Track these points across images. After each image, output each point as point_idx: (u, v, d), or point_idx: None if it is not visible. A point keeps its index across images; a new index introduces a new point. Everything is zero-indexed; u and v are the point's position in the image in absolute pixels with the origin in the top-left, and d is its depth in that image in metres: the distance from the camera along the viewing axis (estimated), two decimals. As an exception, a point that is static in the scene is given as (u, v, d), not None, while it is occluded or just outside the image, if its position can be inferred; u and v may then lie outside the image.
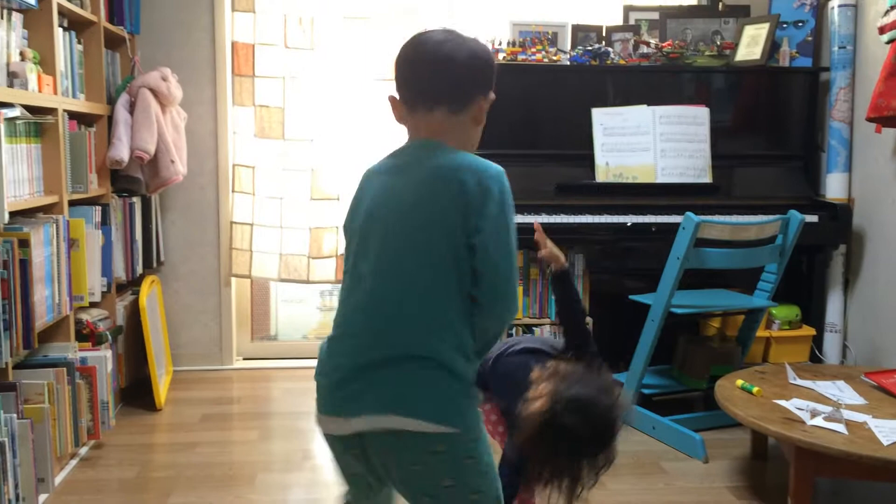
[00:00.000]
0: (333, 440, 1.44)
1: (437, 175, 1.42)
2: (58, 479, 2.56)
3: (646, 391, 3.12)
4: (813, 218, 3.27)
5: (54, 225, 2.55)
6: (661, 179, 3.41)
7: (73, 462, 2.71)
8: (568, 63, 3.55)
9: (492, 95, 1.52)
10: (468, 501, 1.40)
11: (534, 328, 3.31)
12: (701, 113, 3.47)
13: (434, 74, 1.46)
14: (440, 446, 1.36)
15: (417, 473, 1.39)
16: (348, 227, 1.50)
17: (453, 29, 1.49)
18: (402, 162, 1.48)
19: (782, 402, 2.41)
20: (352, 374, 1.38)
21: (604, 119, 3.46)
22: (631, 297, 3.11)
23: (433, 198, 1.40)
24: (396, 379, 1.36)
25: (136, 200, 3.37)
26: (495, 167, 1.45)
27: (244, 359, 3.95)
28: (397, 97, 1.51)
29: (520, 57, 3.51)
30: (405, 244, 1.40)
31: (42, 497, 2.40)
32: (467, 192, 1.39)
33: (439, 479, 1.38)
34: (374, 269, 1.41)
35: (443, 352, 1.37)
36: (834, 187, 3.50)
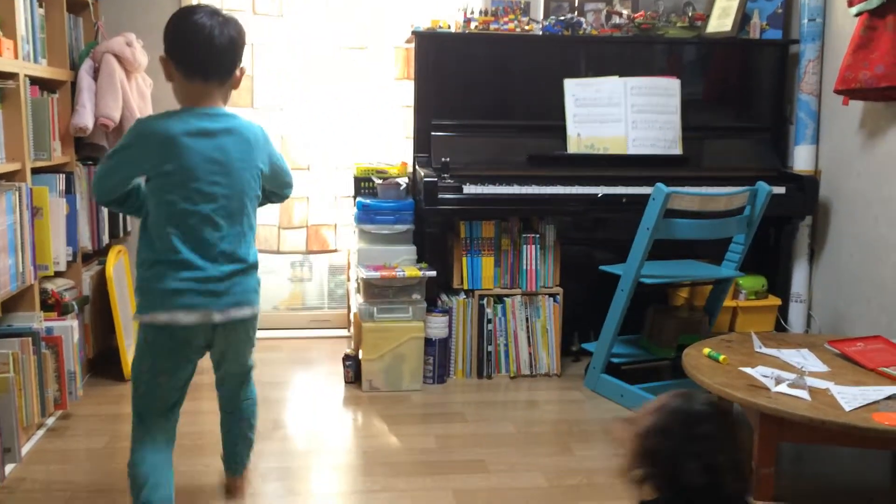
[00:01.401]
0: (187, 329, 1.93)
1: (243, 134, 1.94)
2: (25, 450, 2.53)
3: (615, 360, 3.16)
4: (780, 189, 3.31)
5: (17, 193, 2.49)
6: (632, 151, 3.42)
7: (41, 432, 2.69)
8: (540, 33, 3.53)
9: (242, 65, 2.01)
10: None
11: (505, 298, 3.33)
12: (672, 84, 3.48)
13: (208, 55, 1.91)
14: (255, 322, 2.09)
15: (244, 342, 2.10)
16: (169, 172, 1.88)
17: (214, 10, 1.95)
18: (213, 127, 1.91)
19: (748, 370, 2.45)
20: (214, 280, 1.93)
21: (576, 90, 3.45)
22: (601, 267, 3.13)
23: (248, 150, 1.95)
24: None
25: (102, 169, 3.31)
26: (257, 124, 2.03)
27: (214, 329, 3.92)
28: (170, 60, 1.95)
29: (492, 26, 3.49)
30: (247, 188, 1.95)
31: (9, 467, 2.38)
32: (261, 140, 2.00)
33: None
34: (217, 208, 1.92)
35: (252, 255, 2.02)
36: (801, 159, 3.54)
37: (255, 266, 2.03)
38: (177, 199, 1.87)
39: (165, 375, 1.99)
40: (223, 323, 1.95)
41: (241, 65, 1.99)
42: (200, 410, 2.97)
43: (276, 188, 2.11)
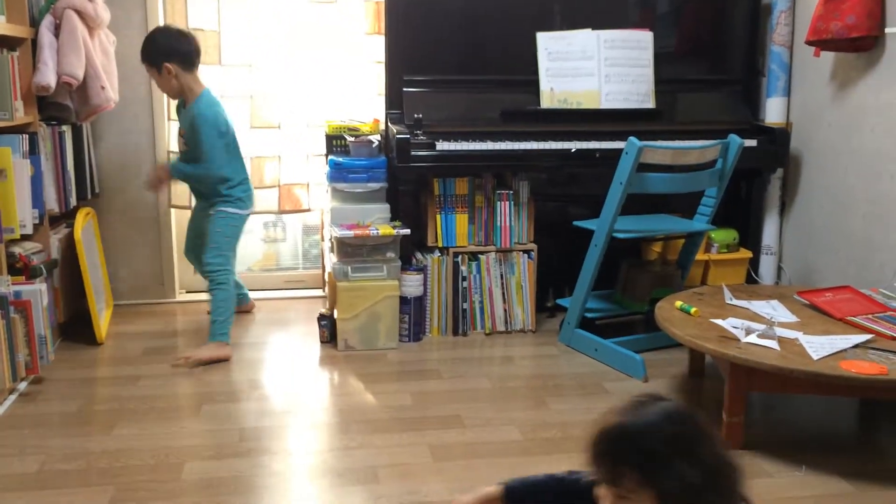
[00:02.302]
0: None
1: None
2: (-4, 415, 2.51)
3: (589, 315, 3.18)
4: (752, 142, 3.32)
5: (-22, 154, 2.43)
6: (605, 105, 3.41)
7: (13, 397, 2.66)
8: (512, -15, 3.47)
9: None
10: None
11: (479, 255, 3.32)
12: (645, 37, 3.46)
13: (198, 51, 3.14)
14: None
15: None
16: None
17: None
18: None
19: (719, 322, 2.48)
20: None
21: (548, 44, 3.42)
22: (575, 223, 3.14)
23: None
24: None
25: (67, 129, 3.24)
26: None
27: (187, 291, 3.89)
28: (172, 64, 3.06)
29: (463, -21, 3.42)
30: None
31: (-20, 433, 2.36)
32: None
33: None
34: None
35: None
36: (773, 111, 3.54)
37: None
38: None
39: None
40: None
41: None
42: (174, 373, 2.96)
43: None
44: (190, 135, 3.13)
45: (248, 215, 3.23)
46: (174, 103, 3.53)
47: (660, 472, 1.16)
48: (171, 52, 3.03)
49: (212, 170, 3.09)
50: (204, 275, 3.22)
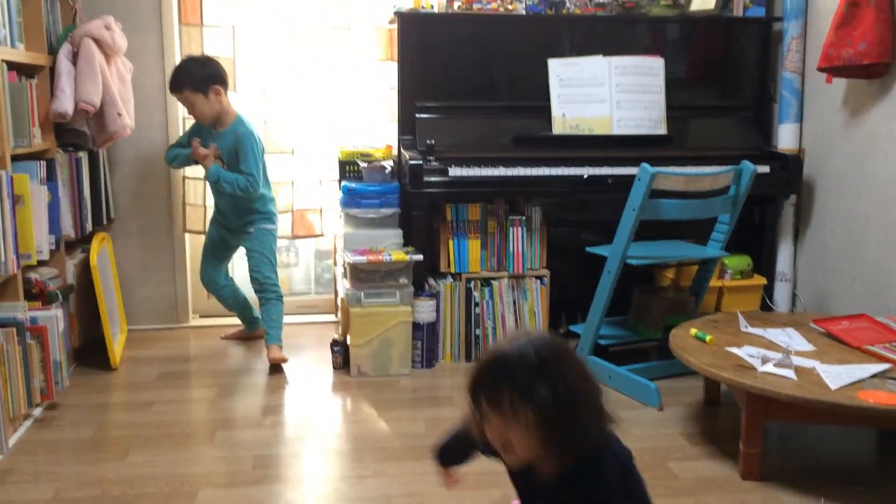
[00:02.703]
0: None
1: None
2: (11, 441, 2.51)
3: (602, 342, 3.17)
4: (765, 168, 3.32)
5: (-3, 181, 2.46)
6: (617, 131, 3.42)
7: (27, 423, 2.67)
8: (524, 12, 3.51)
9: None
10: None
11: (492, 281, 3.32)
12: (656, 63, 3.47)
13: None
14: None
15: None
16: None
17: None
18: None
19: (734, 350, 2.47)
20: None
21: (560, 70, 3.44)
22: (587, 248, 3.13)
23: None
24: None
25: (83, 155, 3.27)
26: None
27: (201, 316, 3.90)
28: (221, 86, 3.23)
29: (475, 6, 3.46)
30: None
31: (-5, 459, 2.36)
32: None
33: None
34: None
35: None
36: (785, 138, 3.54)
37: None
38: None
39: None
40: None
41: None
42: (189, 399, 2.97)
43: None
44: (230, 155, 3.22)
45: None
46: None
47: (535, 389, 1.28)
48: (218, 76, 3.19)
49: (254, 185, 3.21)
50: (258, 291, 3.33)
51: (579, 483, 1.37)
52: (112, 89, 3.15)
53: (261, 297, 3.31)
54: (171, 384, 3.08)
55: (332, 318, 3.93)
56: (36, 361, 2.67)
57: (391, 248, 3.24)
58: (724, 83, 3.68)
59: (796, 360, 2.34)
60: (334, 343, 3.25)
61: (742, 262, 3.46)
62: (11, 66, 2.72)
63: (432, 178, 3.18)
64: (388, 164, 3.40)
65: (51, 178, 2.96)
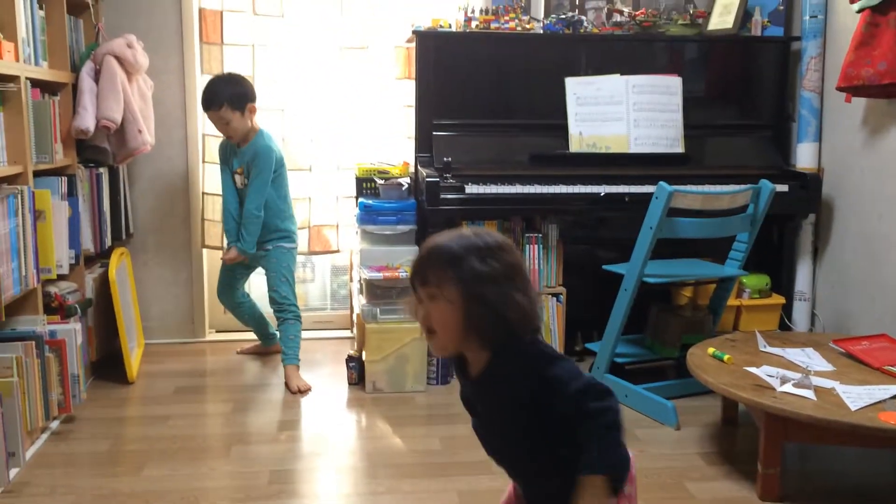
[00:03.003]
0: None
1: None
2: (29, 453, 2.53)
3: (619, 360, 3.15)
4: (783, 187, 3.30)
5: (19, 196, 2.49)
6: (634, 149, 3.41)
7: (45, 436, 2.68)
8: (541, 32, 3.52)
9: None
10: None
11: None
12: (673, 82, 3.47)
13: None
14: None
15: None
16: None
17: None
18: None
19: (752, 370, 2.44)
20: None
21: (577, 88, 3.44)
22: (604, 266, 3.12)
23: None
24: None
25: (104, 171, 3.31)
26: None
27: (217, 331, 3.92)
28: (253, 103, 3.25)
29: (493, 25, 3.48)
30: None
31: (13, 471, 2.37)
32: None
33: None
34: None
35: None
36: (804, 157, 3.53)
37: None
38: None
39: None
40: None
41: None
42: (204, 413, 2.97)
43: None
44: (248, 169, 3.25)
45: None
46: (210, 147, 3.62)
47: (457, 265, 1.36)
48: (252, 93, 3.24)
49: (258, 208, 3.22)
50: (276, 311, 3.30)
51: (504, 375, 1.40)
52: (133, 106, 3.19)
53: (279, 316, 3.30)
54: (187, 398, 3.09)
55: (347, 333, 3.93)
56: (54, 375, 2.69)
57: (407, 264, 3.24)
58: (743, 102, 3.67)
59: (816, 381, 2.32)
60: (349, 359, 3.25)
61: (760, 281, 3.43)
62: (35, 83, 2.77)
63: (449, 196, 3.19)
64: (405, 181, 3.42)
65: (72, 193, 3.00)
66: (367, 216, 3.32)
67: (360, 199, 3.42)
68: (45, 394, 2.61)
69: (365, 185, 3.51)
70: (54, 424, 2.77)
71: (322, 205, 3.79)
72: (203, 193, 3.70)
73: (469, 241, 1.39)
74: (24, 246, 2.52)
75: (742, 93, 3.66)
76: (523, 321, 1.37)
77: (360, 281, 3.33)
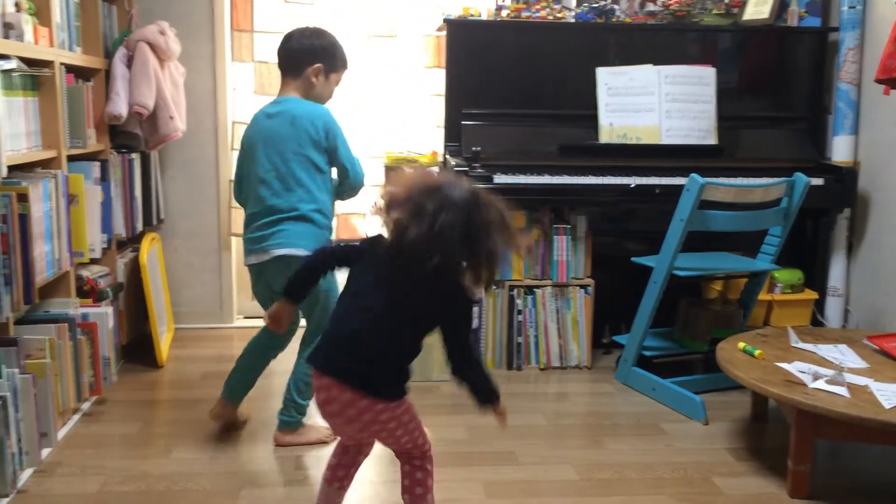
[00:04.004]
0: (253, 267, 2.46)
1: (293, 110, 2.44)
2: (60, 434, 2.56)
3: (646, 353, 3.13)
4: (818, 181, 3.24)
5: (53, 180, 2.52)
6: (665, 141, 3.37)
7: (76, 417, 2.72)
8: (573, 20, 3.49)
9: (317, 66, 2.50)
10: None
11: (535, 289, 3.30)
12: (707, 73, 3.42)
13: (281, 58, 2.55)
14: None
15: None
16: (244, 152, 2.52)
17: (307, 27, 2.57)
18: (276, 110, 2.47)
19: (784, 365, 2.41)
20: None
21: (608, 78, 3.41)
22: (633, 259, 3.10)
23: (296, 120, 2.43)
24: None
25: (136, 157, 3.34)
26: (323, 108, 2.50)
27: (245, 317, 3.95)
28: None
29: (524, 14, 3.46)
30: (292, 154, 2.41)
31: (45, 451, 2.41)
32: (313, 115, 2.45)
33: None
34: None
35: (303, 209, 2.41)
36: (840, 150, 3.46)
37: (302, 215, 2.40)
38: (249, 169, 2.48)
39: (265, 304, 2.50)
40: (268, 261, 2.38)
41: (316, 64, 2.49)
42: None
43: (339, 179, 2.56)
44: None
45: (249, 266, 2.51)
46: (239, 133, 3.62)
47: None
48: None
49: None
50: None
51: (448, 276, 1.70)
52: (165, 93, 3.21)
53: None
54: (215, 383, 3.09)
55: (374, 322, 3.94)
56: (86, 357, 2.72)
57: (435, 253, 3.24)
58: (778, 94, 3.61)
59: (849, 378, 2.28)
60: (376, 347, 3.25)
61: (793, 275, 3.38)
62: (69, 68, 2.79)
63: (477, 185, 3.17)
64: (434, 171, 3.41)
65: (104, 178, 3.03)
66: (396, 205, 3.31)
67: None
68: (76, 375, 2.65)
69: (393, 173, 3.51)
70: (86, 406, 2.81)
71: (350, 193, 3.79)
72: (231, 181, 3.71)
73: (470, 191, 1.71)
74: (57, 229, 2.55)
75: (777, 84, 3.60)
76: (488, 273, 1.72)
77: (387, 269, 3.33)
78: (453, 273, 1.69)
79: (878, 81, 3.04)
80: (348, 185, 2.56)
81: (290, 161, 2.40)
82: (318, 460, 2.47)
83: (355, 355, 1.71)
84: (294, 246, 2.37)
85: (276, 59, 3.56)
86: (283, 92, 2.52)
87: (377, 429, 1.74)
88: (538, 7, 3.47)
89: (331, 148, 2.46)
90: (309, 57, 2.48)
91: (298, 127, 2.41)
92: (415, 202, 1.65)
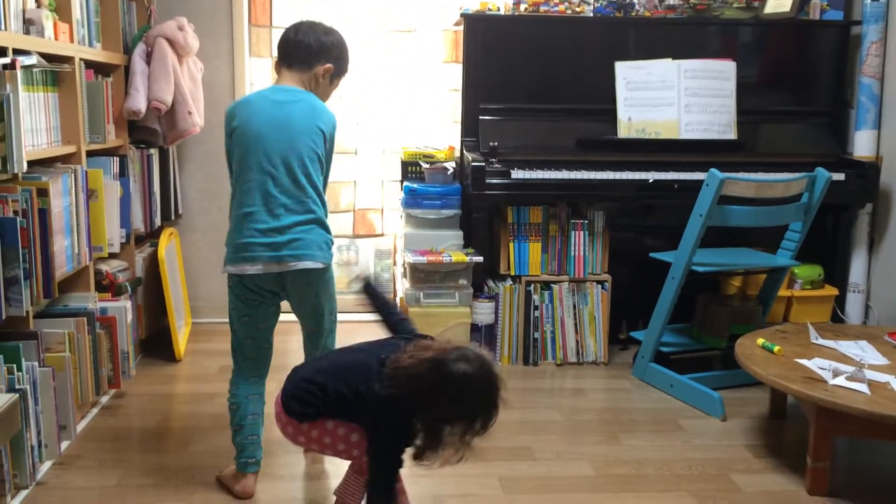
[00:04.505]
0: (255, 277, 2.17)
1: (307, 102, 2.19)
2: (80, 427, 2.59)
3: (664, 349, 3.11)
4: (840, 176, 3.20)
5: (73, 175, 2.54)
6: (684, 135, 3.35)
7: (95, 410, 2.75)
8: (591, 14, 3.47)
9: (328, 66, 2.25)
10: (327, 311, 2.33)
11: (552, 284, 3.29)
12: (727, 67, 3.39)
13: (291, 46, 2.27)
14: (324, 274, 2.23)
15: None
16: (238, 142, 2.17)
17: (321, 23, 2.33)
18: (288, 98, 2.19)
19: (804, 362, 2.38)
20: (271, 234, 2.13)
21: (627, 73, 3.38)
22: (651, 254, 3.07)
23: (310, 114, 2.18)
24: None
25: (154, 152, 3.36)
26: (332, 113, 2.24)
27: (262, 312, 3.95)
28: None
29: (542, 8, 3.44)
30: (290, 150, 2.12)
31: (64, 444, 2.43)
32: (325, 113, 2.21)
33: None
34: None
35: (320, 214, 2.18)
36: (862, 145, 3.42)
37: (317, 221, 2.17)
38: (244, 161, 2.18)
39: (246, 318, 2.26)
40: (287, 272, 2.15)
41: (327, 64, 2.26)
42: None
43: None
44: None
45: (231, 274, 2.24)
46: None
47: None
48: None
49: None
50: None
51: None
52: (183, 88, 3.22)
53: None
54: (232, 378, 3.12)
55: (390, 317, 3.94)
56: (105, 351, 2.75)
57: (451, 249, 3.24)
58: (799, 88, 3.57)
59: (869, 374, 2.25)
60: (393, 342, 3.26)
61: (813, 271, 3.35)
62: (89, 64, 2.81)
63: (494, 180, 3.16)
64: (451, 166, 3.40)
65: (123, 173, 3.05)
66: (412, 200, 3.32)
67: (406, 183, 3.42)
68: (95, 369, 2.67)
69: (410, 168, 3.51)
70: (104, 399, 2.84)
71: (367, 188, 3.80)
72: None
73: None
74: (76, 224, 2.57)
75: (798, 78, 3.56)
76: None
77: (403, 265, 3.33)
78: (402, 406, 1.73)
79: (902, 75, 3.00)
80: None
81: (304, 157, 2.13)
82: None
83: (287, 380, 1.94)
84: (319, 258, 2.17)
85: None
86: (285, 82, 2.25)
87: (302, 440, 1.90)
88: (556, 1, 3.45)
89: (328, 155, 2.23)
90: (323, 55, 2.27)
91: (315, 122, 2.16)
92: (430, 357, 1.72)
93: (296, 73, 2.26)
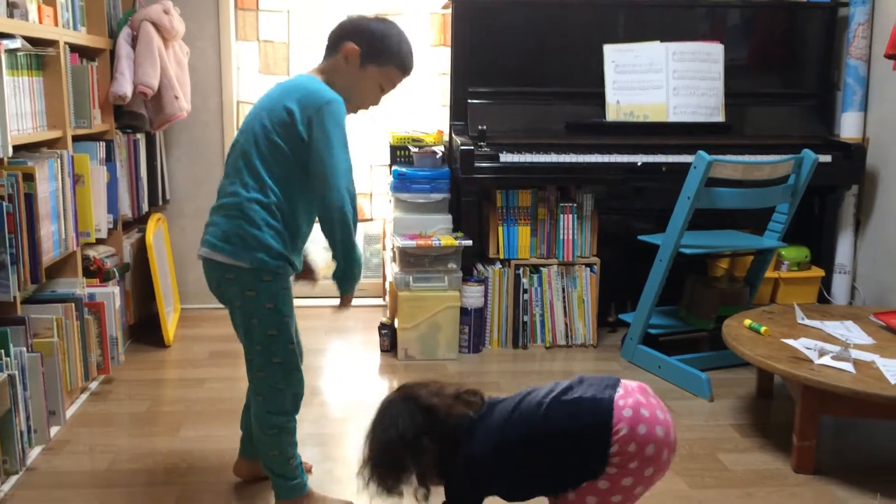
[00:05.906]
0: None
1: (287, 83, 1.96)
2: (69, 412, 2.59)
3: (652, 331, 3.13)
4: (826, 158, 3.22)
5: (59, 160, 2.52)
6: (672, 118, 3.35)
7: (84, 396, 2.74)
8: (580, -3, 3.46)
9: (352, 46, 1.94)
10: (250, 326, 1.94)
11: (541, 268, 3.30)
12: (715, 50, 3.39)
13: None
14: (229, 275, 1.87)
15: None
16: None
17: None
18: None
19: (790, 342, 2.41)
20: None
21: (616, 56, 3.38)
22: (640, 237, 3.09)
23: (280, 92, 1.91)
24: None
25: (141, 137, 3.34)
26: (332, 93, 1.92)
27: (251, 297, 3.95)
28: None
29: (530, -9, 3.42)
30: (242, 132, 1.93)
31: (54, 429, 2.43)
32: (301, 89, 1.90)
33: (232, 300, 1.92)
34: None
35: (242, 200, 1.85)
36: (848, 126, 3.44)
37: (236, 207, 1.84)
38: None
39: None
40: (204, 260, 1.91)
41: (350, 44, 1.93)
42: (239, 377, 3.01)
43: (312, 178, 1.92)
44: None
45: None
46: (244, 113, 3.61)
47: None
48: None
49: None
50: None
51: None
52: (170, 73, 3.20)
53: None
54: (222, 362, 3.13)
55: (380, 301, 3.95)
56: (93, 336, 2.74)
57: (440, 233, 3.24)
58: (786, 70, 3.58)
59: (855, 354, 2.27)
60: (382, 326, 3.27)
61: (800, 253, 3.37)
62: (74, 48, 2.79)
63: (483, 164, 3.16)
64: (439, 150, 3.40)
65: (109, 158, 3.03)
66: (401, 184, 3.32)
67: (394, 168, 3.41)
68: (84, 355, 2.66)
69: (399, 153, 3.50)
70: (93, 385, 2.83)
71: (355, 173, 3.77)
72: (238, 160, 3.71)
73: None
74: (63, 209, 2.56)
75: (785, 60, 3.57)
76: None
77: (392, 249, 3.33)
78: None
79: (888, 57, 3.01)
80: (326, 205, 1.95)
81: (251, 138, 1.89)
82: (322, 438, 2.48)
83: None
84: (223, 251, 1.87)
85: (281, 39, 3.61)
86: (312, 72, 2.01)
87: None
88: (544, -16, 3.44)
89: (311, 136, 1.90)
90: (348, 34, 1.94)
91: (282, 101, 1.87)
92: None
93: (323, 61, 1.99)
